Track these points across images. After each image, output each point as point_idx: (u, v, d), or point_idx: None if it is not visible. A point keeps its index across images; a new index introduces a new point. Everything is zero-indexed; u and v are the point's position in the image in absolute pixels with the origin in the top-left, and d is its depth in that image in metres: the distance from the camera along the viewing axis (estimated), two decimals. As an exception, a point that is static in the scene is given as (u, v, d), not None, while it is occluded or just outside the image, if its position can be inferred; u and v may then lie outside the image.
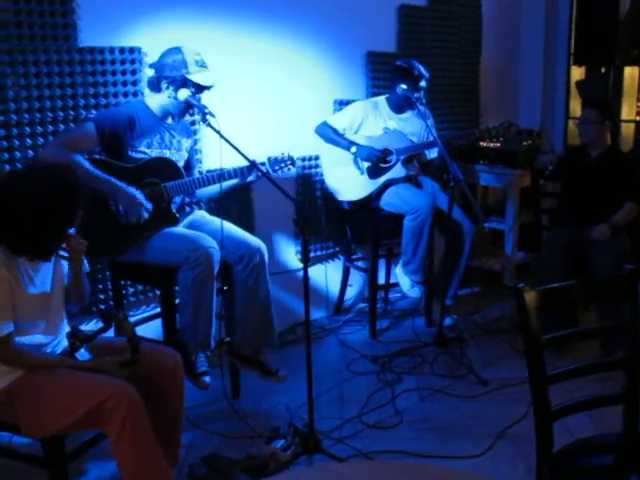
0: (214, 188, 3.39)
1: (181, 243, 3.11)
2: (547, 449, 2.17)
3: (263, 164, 3.32)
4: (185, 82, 3.20)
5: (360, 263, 4.69)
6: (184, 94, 3.19)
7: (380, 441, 3.18)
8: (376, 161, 4.11)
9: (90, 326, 3.44)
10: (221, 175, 3.28)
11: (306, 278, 2.84)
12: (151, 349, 2.59)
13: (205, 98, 3.30)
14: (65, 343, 2.57)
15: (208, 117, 3.09)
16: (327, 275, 4.52)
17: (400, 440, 3.19)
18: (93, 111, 3.39)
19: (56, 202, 2.30)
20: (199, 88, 3.24)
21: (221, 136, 3.02)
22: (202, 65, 3.24)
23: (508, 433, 3.24)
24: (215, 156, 3.73)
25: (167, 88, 3.24)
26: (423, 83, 4.10)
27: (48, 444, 2.42)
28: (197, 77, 3.21)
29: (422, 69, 4.10)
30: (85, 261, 2.67)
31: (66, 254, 2.50)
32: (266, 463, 2.95)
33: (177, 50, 3.23)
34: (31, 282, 2.39)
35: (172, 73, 3.20)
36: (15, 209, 2.27)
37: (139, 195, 3.14)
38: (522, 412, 3.35)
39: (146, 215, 3.16)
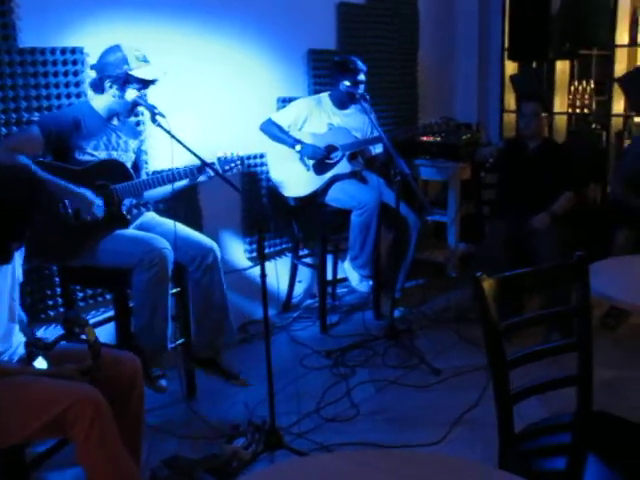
0: (163, 190, 3.37)
1: (134, 245, 3.08)
2: (509, 432, 2.24)
3: (213, 164, 3.31)
4: (128, 78, 3.17)
5: (307, 260, 4.72)
6: (132, 94, 3.16)
7: (339, 434, 3.21)
8: (321, 159, 4.14)
9: (40, 333, 3.37)
10: (171, 176, 3.26)
11: (263, 275, 2.86)
12: (110, 354, 2.55)
13: (150, 97, 3.28)
14: (21, 351, 2.52)
15: (158, 117, 3.07)
16: (276, 273, 4.52)
17: (359, 432, 3.23)
18: (36, 113, 3.31)
19: (17, 203, 2.25)
20: (143, 83, 3.21)
21: (172, 136, 3.01)
22: (143, 60, 3.21)
23: (464, 419, 3.31)
24: (161, 157, 3.74)
25: (111, 87, 3.20)
26: (362, 76, 4.16)
27: (8, 454, 2.37)
28: (139, 72, 3.18)
29: (359, 63, 4.17)
30: (20, 270, 2.61)
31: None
32: (228, 462, 2.95)
33: (116, 48, 3.19)
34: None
35: (114, 71, 3.16)
36: None
37: (89, 194, 3.09)
38: (475, 398, 3.44)
39: (100, 213, 3.11)
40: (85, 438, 2.21)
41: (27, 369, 2.39)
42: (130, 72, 3.16)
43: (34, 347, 2.47)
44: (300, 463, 1.85)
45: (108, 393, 2.38)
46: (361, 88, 4.13)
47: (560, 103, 5.59)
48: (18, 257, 2.50)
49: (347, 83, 4.09)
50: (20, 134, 3.18)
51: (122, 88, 3.18)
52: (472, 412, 3.37)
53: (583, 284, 2.35)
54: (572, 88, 5.58)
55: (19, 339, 2.56)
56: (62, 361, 2.47)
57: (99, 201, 3.12)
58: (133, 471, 2.36)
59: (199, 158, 3.02)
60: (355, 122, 4.32)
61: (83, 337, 2.43)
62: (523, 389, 2.27)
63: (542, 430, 2.34)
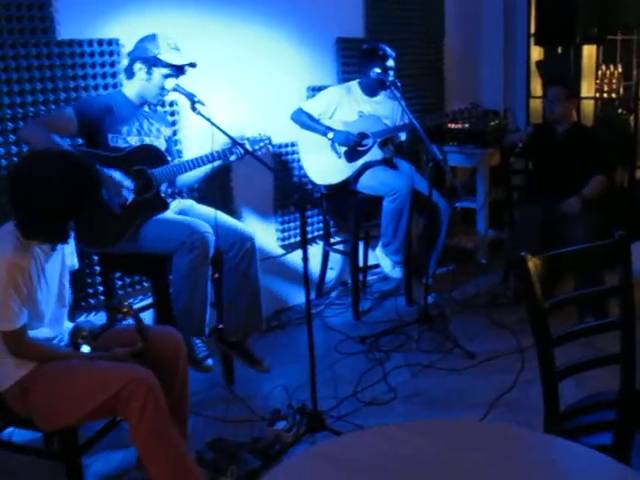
0: (196, 175, 3.42)
1: (176, 228, 3.12)
2: (555, 409, 2.26)
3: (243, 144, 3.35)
4: (155, 62, 3.21)
5: (339, 247, 4.75)
6: (171, 83, 3.21)
7: (379, 417, 3.25)
8: (354, 145, 4.17)
9: (78, 320, 3.43)
10: (205, 159, 3.30)
11: (305, 259, 2.90)
12: (154, 332, 2.60)
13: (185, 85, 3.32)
14: (67, 338, 2.58)
15: (197, 105, 3.10)
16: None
17: (398, 415, 3.27)
18: (73, 104, 3.36)
19: (77, 183, 2.30)
20: (171, 69, 3.24)
21: (212, 123, 3.04)
22: (174, 47, 3.26)
23: (501, 402, 3.34)
24: (195, 147, 3.79)
25: (140, 69, 3.24)
26: (391, 62, 4.17)
27: (63, 436, 2.43)
28: (167, 57, 3.22)
29: (387, 49, 4.19)
30: (75, 258, 2.67)
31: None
32: (271, 444, 3.00)
33: (152, 36, 3.25)
34: (42, 273, 2.38)
35: (144, 54, 3.21)
36: (37, 191, 2.26)
37: (118, 175, 3.13)
38: (511, 381, 3.48)
39: (130, 195, 3.15)
40: (139, 418, 2.27)
41: (79, 353, 2.44)
42: (159, 56, 3.20)
43: (79, 337, 2.52)
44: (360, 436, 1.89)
45: (155, 371, 2.43)
46: (391, 75, 4.14)
47: (587, 88, 5.57)
48: (67, 244, 2.56)
49: (377, 70, 4.10)
50: (54, 112, 3.25)
51: (149, 71, 3.22)
52: (509, 395, 3.40)
53: (625, 263, 2.36)
54: (599, 73, 5.56)
55: (68, 325, 2.62)
56: (110, 345, 2.52)
57: (128, 182, 3.15)
58: (184, 449, 2.41)
59: (240, 145, 3.07)
60: (385, 109, 4.34)
61: (128, 322, 2.48)
62: (568, 366, 2.29)
63: (585, 408, 2.37)
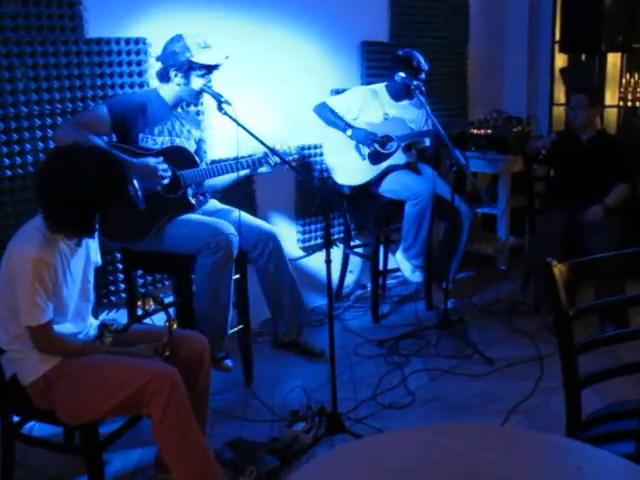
0: (222, 179, 3.45)
1: (201, 229, 3.14)
2: (577, 417, 2.25)
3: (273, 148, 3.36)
4: (191, 65, 3.23)
5: (359, 250, 4.75)
6: (198, 83, 3.23)
7: (397, 420, 3.25)
8: (372, 145, 4.17)
9: (102, 317, 3.45)
10: (234, 166, 3.32)
11: (328, 260, 2.89)
12: (180, 334, 2.62)
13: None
14: (92, 333, 2.60)
15: (224, 105, 3.12)
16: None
17: (417, 418, 3.26)
18: (100, 102, 3.39)
19: (107, 178, 2.32)
20: (207, 69, 3.26)
21: (238, 124, 3.06)
22: (204, 46, 3.27)
23: (520, 408, 3.32)
24: (225, 145, 3.81)
25: (176, 76, 3.27)
26: (422, 75, 4.16)
27: (85, 431, 2.44)
28: (202, 58, 3.24)
29: (422, 60, 4.17)
30: (98, 255, 2.69)
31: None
32: (290, 445, 3.00)
33: (178, 37, 3.26)
34: (67, 268, 2.40)
35: (177, 60, 3.23)
36: (67, 184, 2.28)
37: (152, 160, 3.15)
38: (530, 388, 3.46)
39: (166, 179, 3.16)
40: (162, 413, 2.28)
41: (105, 348, 2.46)
42: (193, 59, 3.22)
43: (107, 330, 2.55)
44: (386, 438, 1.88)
45: (179, 371, 2.45)
46: (418, 81, 4.11)
47: (611, 96, 5.55)
48: (92, 241, 2.58)
49: (402, 74, 4.08)
50: (88, 112, 3.27)
51: (186, 75, 3.25)
52: (528, 402, 3.38)
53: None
54: (623, 81, 5.53)
55: (93, 321, 2.64)
56: (135, 342, 2.54)
57: (163, 165, 3.17)
58: (205, 446, 2.43)
59: (265, 146, 3.08)
60: (410, 114, 4.34)
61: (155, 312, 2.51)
62: (591, 374, 2.28)
63: (607, 417, 2.36)
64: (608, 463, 1.64)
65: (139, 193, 3.13)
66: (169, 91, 3.32)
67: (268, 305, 3.50)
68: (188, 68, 3.23)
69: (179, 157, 3.26)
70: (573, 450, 1.73)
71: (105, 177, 2.30)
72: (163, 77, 3.31)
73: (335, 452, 2.07)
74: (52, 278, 2.32)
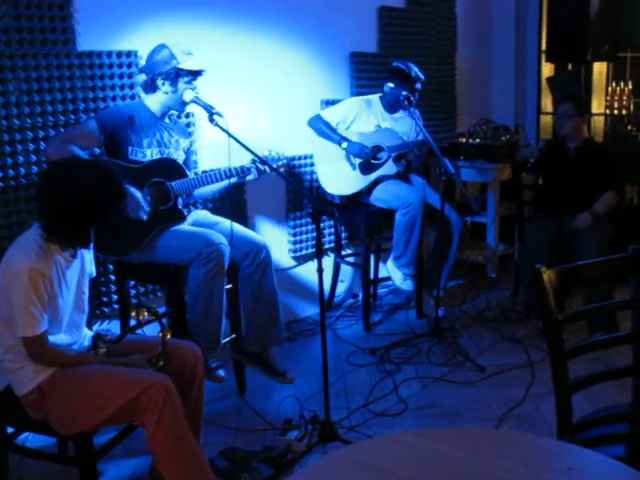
0: (211, 189, 3.47)
1: (192, 240, 3.15)
2: (568, 421, 2.28)
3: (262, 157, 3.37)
4: (178, 72, 3.25)
5: (350, 259, 4.78)
6: (189, 95, 3.25)
7: (390, 428, 3.27)
8: (367, 158, 4.21)
9: (95, 328, 3.46)
10: (222, 174, 3.34)
11: (320, 269, 2.90)
12: (173, 344, 2.64)
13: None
14: (86, 343, 2.61)
15: (215, 117, 3.15)
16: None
17: (409, 426, 3.28)
18: (92, 115, 3.42)
19: (105, 190, 2.35)
20: (193, 74, 3.29)
21: (230, 135, 3.08)
22: (188, 53, 3.29)
23: (511, 415, 3.35)
24: (209, 158, 3.84)
25: (163, 84, 3.28)
26: (419, 85, 4.21)
27: (79, 441, 2.45)
28: (188, 64, 3.26)
29: (419, 72, 4.21)
30: (93, 266, 2.70)
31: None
32: (283, 454, 3.02)
33: (162, 46, 3.28)
34: (63, 279, 2.42)
35: (164, 68, 3.25)
36: (66, 196, 2.31)
37: (139, 195, 3.16)
38: (521, 395, 3.51)
39: (144, 216, 3.18)
40: (157, 423, 2.30)
41: (99, 358, 2.48)
42: (179, 66, 3.24)
43: (101, 341, 2.56)
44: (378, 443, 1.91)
45: (173, 380, 2.46)
46: (412, 94, 4.13)
47: (598, 104, 5.62)
48: (87, 252, 2.60)
49: (391, 85, 4.13)
50: (77, 127, 3.28)
51: (174, 83, 3.27)
52: (519, 408, 3.41)
53: (638, 276, 2.38)
54: (609, 89, 5.61)
55: (87, 332, 2.66)
56: (129, 352, 2.56)
57: (146, 206, 3.18)
58: (200, 455, 2.44)
59: (257, 156, 3.10)
60: (403, 126, 4.37)
61: (147, 319, 2.53)
62: (581, 378, 2.31)
63: (597, 421, 2.39)
64: (597, 464, 1.67)
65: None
66: (155, 101, 3.34)
67: (243, 311, 3.47)
68: (175, 75, 3.26)
69: (168, 168, 3.27)
70: (563, 452, 1.76)
71: (103, 189, 2.32)
72: (149, 87, 3.33)
73: (329, 456, 2.09)
74: (48, 289, 2.34)
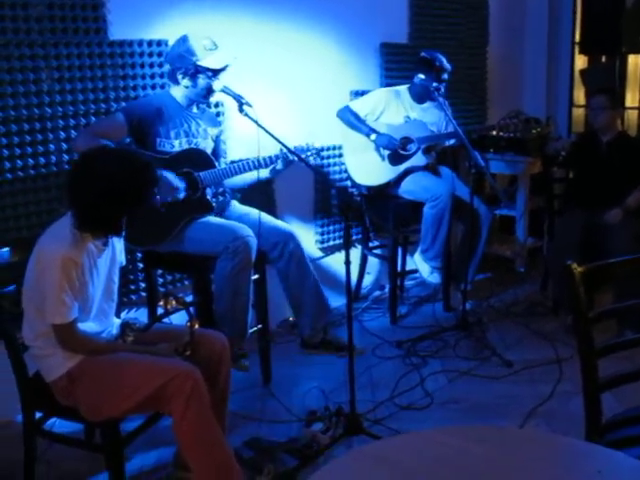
0: (241, 179, 3.46)
1: (219, 233, 3.16)
2: (597, 420, 2.25)
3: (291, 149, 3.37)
4: (197, 69, 3.24)
5: (377, 251, 4.76)
6: (218, 85, 3.25)
7: (415, 422, 3.26)
8: (396, 149, 4.18)
9: (122, 316, 3.49)
10: (250, 164, 3.34)
11: (347, 262, 2.89)
12: (200, 333, 2.64)
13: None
14: (114, 332, 2.63)
15: (245, 107, 3.14)
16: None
17: (435, 420, 3.27)
18: (123, 104, 3.43)
19: (137, 179, 2.36)
20: (214, 72, 3.27)
21: (259, 125, 3.07)
22: (211, 48, 3.26)
23: (538, 411, 3.32)
24: (239, 148, 3.83)
25: (183, 78, 3.28)
26: (445, 76, 4.17)
27: (106, 428, 2.47)
28: (208, 62, 3.24)
29: (444, 62, 4.18)
30: (123, 255, 2.72)
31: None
32: (308, 445, 3.02)
33: (184, 39, 3.27)
34: (94, 267, 2.43)
35: (183, 63, 3.25)
36: (98, 185, 2.32)
37: (172, 177, 3.18)
38: (549, 391, 3.47)
39: (181, 195, 3.19)
40: (183, 412, 2.31)
41: (127, 346, 2.49)
42: (198, 62, 3.22)
43: (129, 329, 2.58)
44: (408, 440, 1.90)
45: (200, 370, 2.47)
46: (440, 84, 4.12)
47: (632, 98, 5.52)
48: (118, 241, 2.61)
49: (421, 76, 4.10)
50: (105, 120, 3.30)
51: (193, 79, 3.26)
52: (546, 405, 3.38)
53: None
54: (644, 82, 5.52)
55: (116, 320, 2.67)
56: (156, 341, 2.57)
57: (182, 184, 3.20)
58: (225, 444, 2.45)
59: (285, 147, 3.09)
60: (432, 117, 4.35)
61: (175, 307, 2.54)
62: (612, 377, 2.28)
63: (627, 420, 2.36)
64: (628, 467, 1.64)
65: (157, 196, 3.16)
66: (179, 92, 3.35)
67: (291, 307, 3.52)
68: (194, 72, 3.24)
69: (196, 159, 3.28)
70: (592, 454, 1.73)
71: (133, 179, 2.33)
72: (171, 78, 3.34)
73: (353, 453, 2.09)
74: (79, 277, 2.35)
